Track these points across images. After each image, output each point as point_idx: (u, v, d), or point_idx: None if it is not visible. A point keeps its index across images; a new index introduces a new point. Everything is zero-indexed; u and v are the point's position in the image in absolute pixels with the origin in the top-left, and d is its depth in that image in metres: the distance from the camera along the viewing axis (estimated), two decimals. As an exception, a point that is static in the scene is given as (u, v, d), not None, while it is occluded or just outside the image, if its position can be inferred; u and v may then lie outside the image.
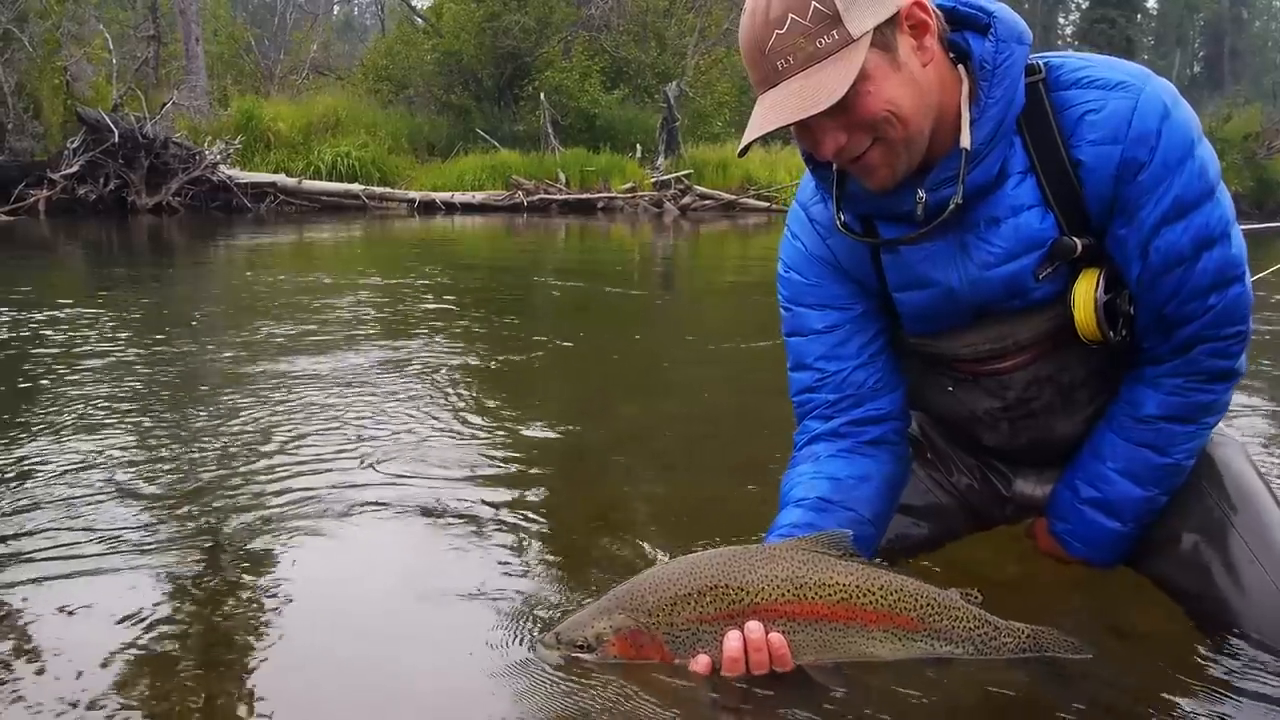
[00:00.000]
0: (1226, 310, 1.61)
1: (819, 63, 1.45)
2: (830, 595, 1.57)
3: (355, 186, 16.79)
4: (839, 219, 1.71)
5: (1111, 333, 1.64)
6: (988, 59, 1.55)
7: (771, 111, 1.49)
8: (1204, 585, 1.74)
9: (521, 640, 1.76)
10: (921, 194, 1.59)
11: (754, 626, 1.56)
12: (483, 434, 3.28)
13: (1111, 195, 1.57)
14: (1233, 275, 1.60)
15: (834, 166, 1.65)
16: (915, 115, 1.52)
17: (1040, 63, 1.60)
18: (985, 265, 1.65)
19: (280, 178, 16.10)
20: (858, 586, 1.58)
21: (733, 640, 1.56)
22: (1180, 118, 1.54)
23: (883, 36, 1.47)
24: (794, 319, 1.86)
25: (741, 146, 1.59)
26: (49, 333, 4.98)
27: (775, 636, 1.56)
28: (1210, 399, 1.70)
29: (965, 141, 1.55)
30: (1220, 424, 1.82)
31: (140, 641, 1.80)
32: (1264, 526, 1.72)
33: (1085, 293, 1.62)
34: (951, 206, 1.58)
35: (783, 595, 1.57)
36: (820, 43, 1.45)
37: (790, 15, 1.45)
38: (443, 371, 4.30)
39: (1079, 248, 1.60)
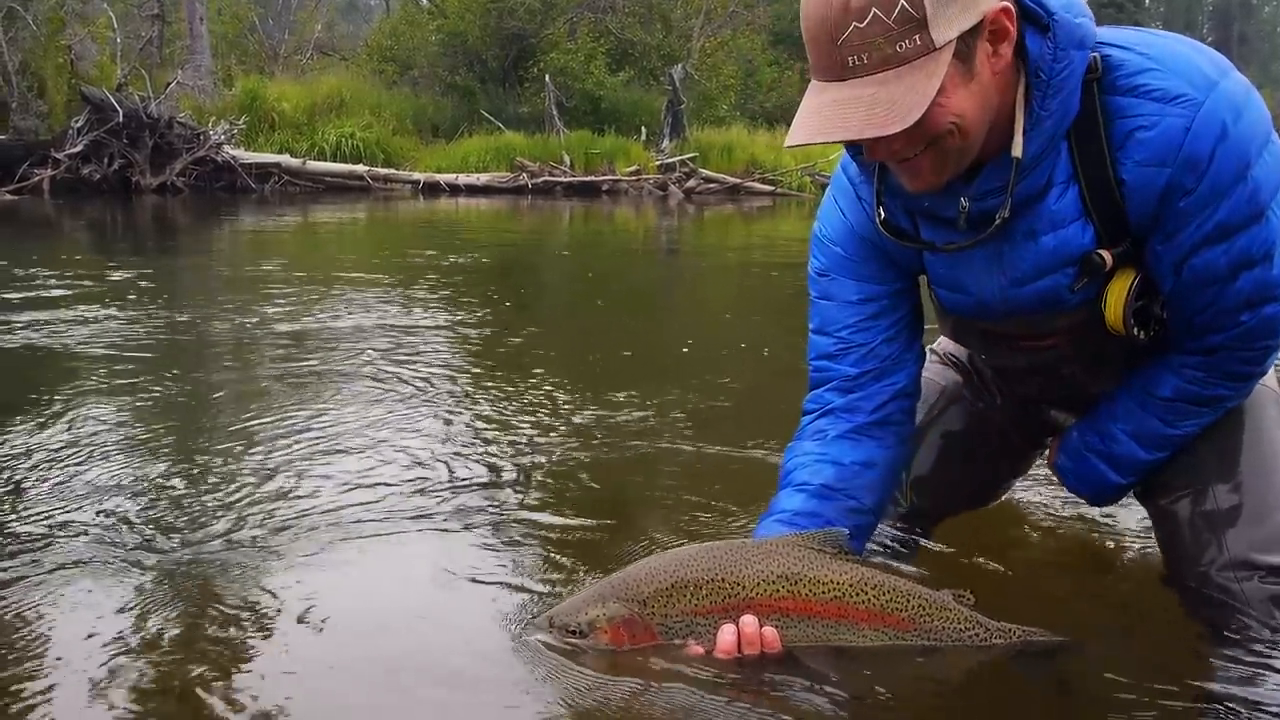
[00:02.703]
0: (1259, 328, 1.59)
1: (895, 69, 1.36)
2: (824, 593, 1.59)
3: (359, 168, 16.74)
4: (879, 215, 1.66)
5: (1141, 334, 1.62)
6: (1044, 68, 1.44)
7: (836, 118, 1.39)
8: (1172, 539, 1.78)
9: (522, 629, 1.74)
10: (965, 203, 1.54)
11: (749, 620, 1.57)
12: (487, 423, 3.29)
13: (1154, 213, 1.51)
14: (1269, 296, 1.55)
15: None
16: (976, 125, 1.45)
17: (1097, 58, 1.48)
18: (1019, 281, 1.62)
19: (284, 158, 16.05)
20: (851, 584, 1.59)
21: (727, 634, 1.57)
22: (1240, 134, 1.44)
23: (964, 45, 1.38)
24: (828, 284, 1.81)
25: (793, 143, 1.45)
26: (61, 321, 4.99)
27: (769, 630, 1.57)
28: (1227, 393, 1.70)
29: (1017, 150, 1.47)
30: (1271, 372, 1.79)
31: (136, 644, 1.79)
32: (1257, 490, 1.70)
33: (1117, 297, 1.59)
34: (998, 220, 1.52)
35: (777, 591, 1.59)
36: (901, 46, 1.34)
37: (874, 9, 1.33)
38: (450, 356, 4.31)
39: (1109, 263, 1.56)
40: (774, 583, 1.59)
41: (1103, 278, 1.59)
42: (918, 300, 1.83)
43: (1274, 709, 1.54)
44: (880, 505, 1.83)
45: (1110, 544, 2.28)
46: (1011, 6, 1.41)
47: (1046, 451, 2.05)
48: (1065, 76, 1.45)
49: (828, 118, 1.40)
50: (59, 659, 1.69)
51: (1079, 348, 1.74)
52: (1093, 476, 1.86)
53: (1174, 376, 1.70)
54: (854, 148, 1.64)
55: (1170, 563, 1.80)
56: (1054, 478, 2.02)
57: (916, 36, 1.34)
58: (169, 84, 15.35)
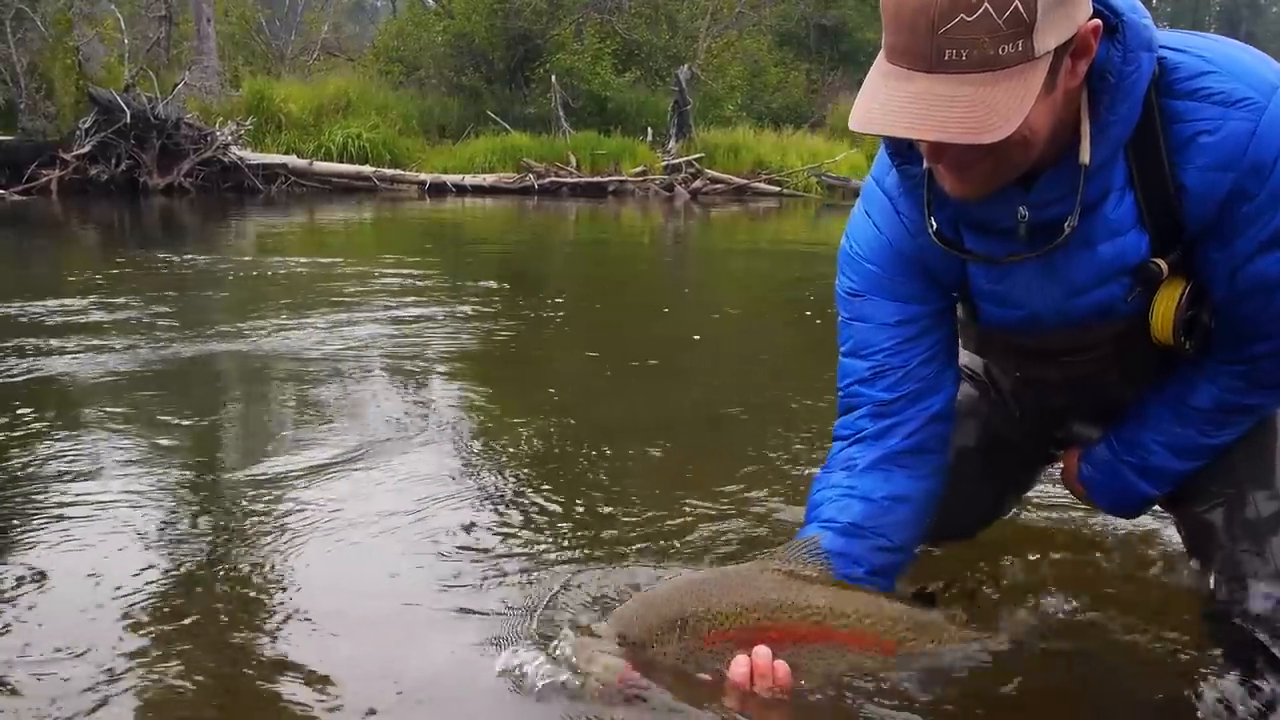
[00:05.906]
0: None
1: (993, 72, 1.27)
2: (806, 616, 1.56)
3: (366, 168, 16.74)
4: (931, 225, 1.54)
5: (1187, 343, 1.57)
6: (1112, 70, 1.37)
7: (928, 114, 1.29)
8: (1208, 547, 1.74)
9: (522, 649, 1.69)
10: (1024, 212, 1.46)
11: (762, 652, 1.52)
12: (496, 420, 3.29)
13: (1213, 219, 1.46)
14: None
15: (923, 163, 1.50)
16: (1042, 138, 1.38)
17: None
18: (1075, 292, 1.56)
19: (291, 159, 16.06)
20: (830, 608, 1.57)
21: (740, 666, 1.52)
22: None
23: (1055, 58, 1.31)
24: (863, 305, 1.71)
25: (875, 131, 1.35)
26: (75, 320, 5.00)
27: (780, 664, 1.52)
28: (1264, 403, 1.67)
29: (1085, 157, 1.40)
30: None
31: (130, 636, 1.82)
32: None
33: (1166, 307, 1.54)
34: (1067, 229, 1.44)
35: (782, 617, 1.56)
36: (1003, 49, 1.26)
37: (986, 4, 1.24)
38: (457, 354, 4.31)
39: (1165, 271, 1.51)
40: (778, 608, 1.55)
41: (1153, 287, 1.55)
42: (954, 320, 1.75)
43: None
44: (912, 542, 1.74)
45: (1141, 548, 2.24)
46: (1100, 24, 1.34)
47: (1062, 465, 1.98)
48: (1135, 81, 1.39)
49: (920, 112, 1.30)
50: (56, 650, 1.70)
51: (1119, 359, 1.68)
52: (1123, 488, 1.81)
53: (1212, 385, 1.65)
54: (902, 154, 1.55)
55: (1205, 572, 1.74)
56: (1067, 490, 1.98)
57: (1020, 42, 1.26)
58: (176, 85, 15.36)
